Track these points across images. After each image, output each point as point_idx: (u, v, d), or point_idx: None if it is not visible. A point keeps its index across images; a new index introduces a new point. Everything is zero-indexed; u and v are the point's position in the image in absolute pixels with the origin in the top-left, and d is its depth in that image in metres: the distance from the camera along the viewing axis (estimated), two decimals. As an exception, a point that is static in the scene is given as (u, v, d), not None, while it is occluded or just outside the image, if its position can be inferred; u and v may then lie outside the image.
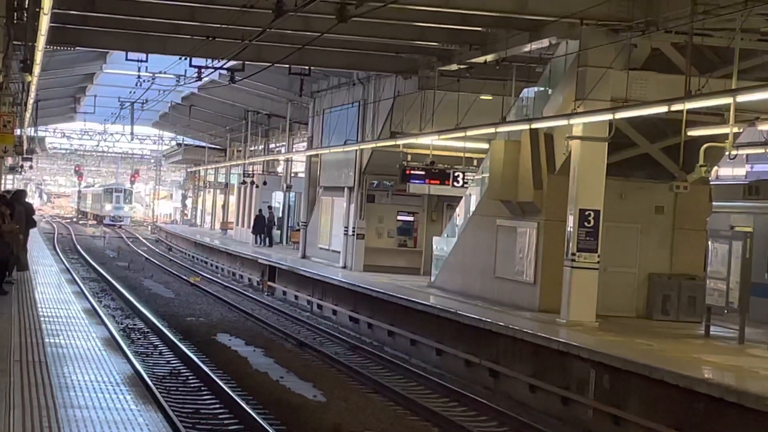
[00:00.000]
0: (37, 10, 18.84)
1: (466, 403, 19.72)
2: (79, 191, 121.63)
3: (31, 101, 36.25)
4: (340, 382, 21.21)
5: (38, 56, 23.41)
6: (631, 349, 18.66)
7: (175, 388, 19.30)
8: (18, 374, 13.19)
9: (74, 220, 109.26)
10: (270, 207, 53.40)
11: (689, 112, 19.69)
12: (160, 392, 17.94)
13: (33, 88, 31.53)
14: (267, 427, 15.76)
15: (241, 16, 23.56)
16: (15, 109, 33.76)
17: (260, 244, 51.62)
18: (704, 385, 15.28)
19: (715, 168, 39.43)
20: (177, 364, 22.06)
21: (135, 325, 28.03)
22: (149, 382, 18.09)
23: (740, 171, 43.54)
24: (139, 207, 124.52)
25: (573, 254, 22.28)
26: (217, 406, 17.94)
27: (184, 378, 20.49)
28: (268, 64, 30.38)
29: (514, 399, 20.39)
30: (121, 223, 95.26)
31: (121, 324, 27.89)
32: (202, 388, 19.44)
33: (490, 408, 18.99)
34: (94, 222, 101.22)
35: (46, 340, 16.53)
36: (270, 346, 25.58)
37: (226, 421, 16.84)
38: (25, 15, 22.28)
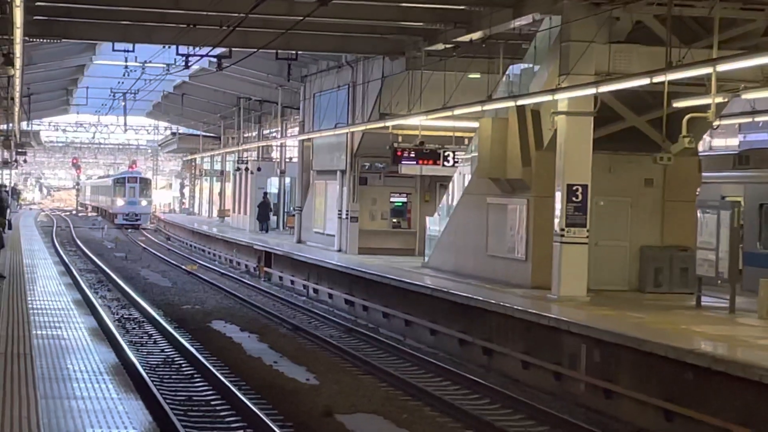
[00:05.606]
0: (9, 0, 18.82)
1: (459, 381, 19.72)
2: (78, 183, 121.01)
3: (17, 95, 36.14)
4: (333, 365, 21.21)
5: (17, 49, 23.37)
6: (621, 322, 18.65)
7: (168, 376, 19.31)
8: (2, 367, 13.20)
9: (74, 213, 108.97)
10: (265, 193, 53.40)
11: (676, 83, 19.64)
12: (153, 380, 17.95)
13: (17, 81, 31.48)
14: (257, 412, 15.76)
15: (224, 1, 23.52)
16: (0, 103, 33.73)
17: (264, 230, 51.51)
18: (691, 355, 15.29)
19: (708, 139, 39.36)
20: (171, 353, 22.07)
21: (131, 315, 28.01)
22: (142, 371, 18.09)
23: (733, 141, 43.44)
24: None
25: (562, 229, 22.27)
26: (210, 392, 17.95)
27: (178, 366, 20.50)
28: (254, 50, 30.33)
29: (507, 376, 20.40)
30: (138, 222, 76.77)
31: (117, 314, 27.88)
32: (195, 376, 19.45)
33: (484, 386, 18.99)
34: (95, 215, 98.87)
35: (34, 332, 16.55)
36: (265, 332, 25.60)
37: (218, 408, 16.84)
38: (7, 8, 22.23)
